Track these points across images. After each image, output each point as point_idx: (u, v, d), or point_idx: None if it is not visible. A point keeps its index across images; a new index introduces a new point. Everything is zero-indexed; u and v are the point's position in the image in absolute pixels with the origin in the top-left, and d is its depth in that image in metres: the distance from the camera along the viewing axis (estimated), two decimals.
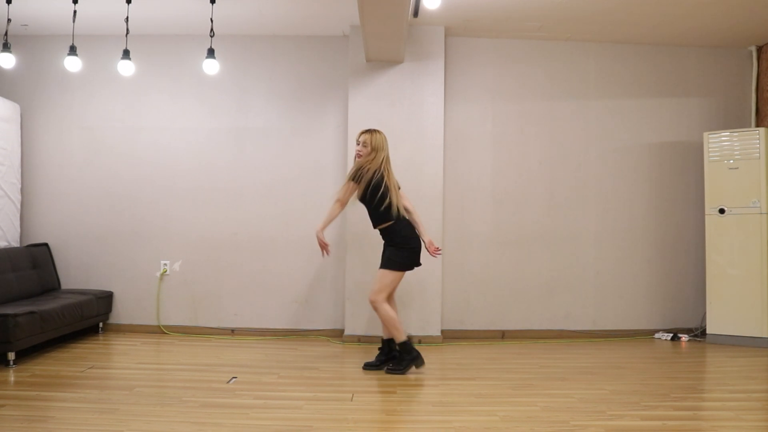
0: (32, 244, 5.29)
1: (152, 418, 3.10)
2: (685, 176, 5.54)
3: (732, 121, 5.54)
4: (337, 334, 5.30)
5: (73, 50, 4.53)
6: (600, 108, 5.52)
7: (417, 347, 4.18)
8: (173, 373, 4.06)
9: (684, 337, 5.29)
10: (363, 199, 4.14)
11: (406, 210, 4.22)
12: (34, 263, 5.10)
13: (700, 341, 5.24)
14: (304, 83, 5.45)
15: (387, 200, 4.07)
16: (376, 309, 4.12)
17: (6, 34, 4.38)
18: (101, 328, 5.32)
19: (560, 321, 5.43)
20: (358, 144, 4.18)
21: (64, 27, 4.92)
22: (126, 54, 4.63)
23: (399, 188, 4.26)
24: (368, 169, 4.08)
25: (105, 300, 5.23)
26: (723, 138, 5.16)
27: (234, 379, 3.87)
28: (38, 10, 4.84)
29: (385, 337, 4.27)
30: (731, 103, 5.57)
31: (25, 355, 4.34)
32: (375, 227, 4.21)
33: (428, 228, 5.13)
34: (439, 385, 3.88)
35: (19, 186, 5.33)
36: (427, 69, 5.20)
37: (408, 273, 5.10)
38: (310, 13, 4.93)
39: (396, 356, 4.18)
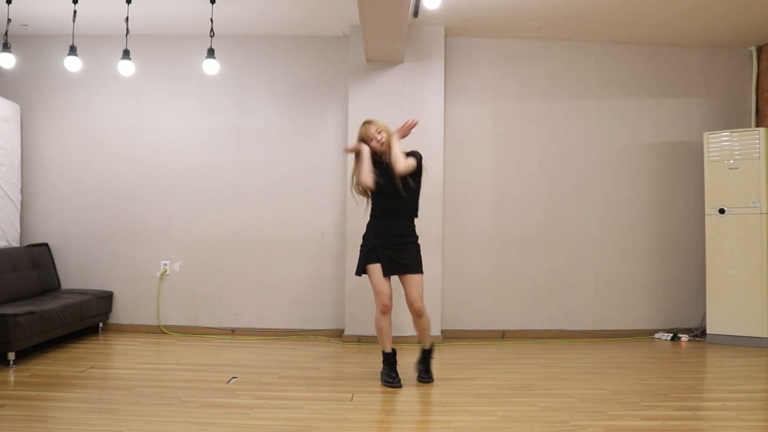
0: (32, 244, 5.29)
1: (152, 418, 3.10)
2: (685, 176, 5.54)
3: (732, 121, 5.54)
4: (337, 334, 5.30)
5: (73, 50, 4.54)
6: (600, 108, 5.52)
7: (416, 347, 4.16)
8: (173, 373, 4.07)
9: (684, 337, 5.29)
10: (415, 185, 3.82)
11: None
12: (34, 263, 5.10)
13: (700, 341, 5.24)
14: (304, 83, 5.45)
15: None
16: (422, 316, 3.84)
17: (6, 34, 4.38)
18: (101, 328, 5.31)
19: (560, 321, 5.43)
20: (373, 136, 3.77)
21: (64, 27, 4.92)
22: (126, 54, 4.63)
23: None
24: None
25: (105, 300, 5.24)
26: (723, 138, 5.16)
27: (234, 379, 3.87)
28: (38, 10, 4.84)
29: (427, 347, 3.95)
30: (731, 103, 5.57)
31: (25, 355, 4.33)
32: (416, 217, 3.90)
33: (428, 228, 5.13)
34: (439, 385, 3.87)
35: (19, 186, 5.33)
36: (427, 69, 5.19)
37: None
38: (310, 13, 4.93)
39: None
